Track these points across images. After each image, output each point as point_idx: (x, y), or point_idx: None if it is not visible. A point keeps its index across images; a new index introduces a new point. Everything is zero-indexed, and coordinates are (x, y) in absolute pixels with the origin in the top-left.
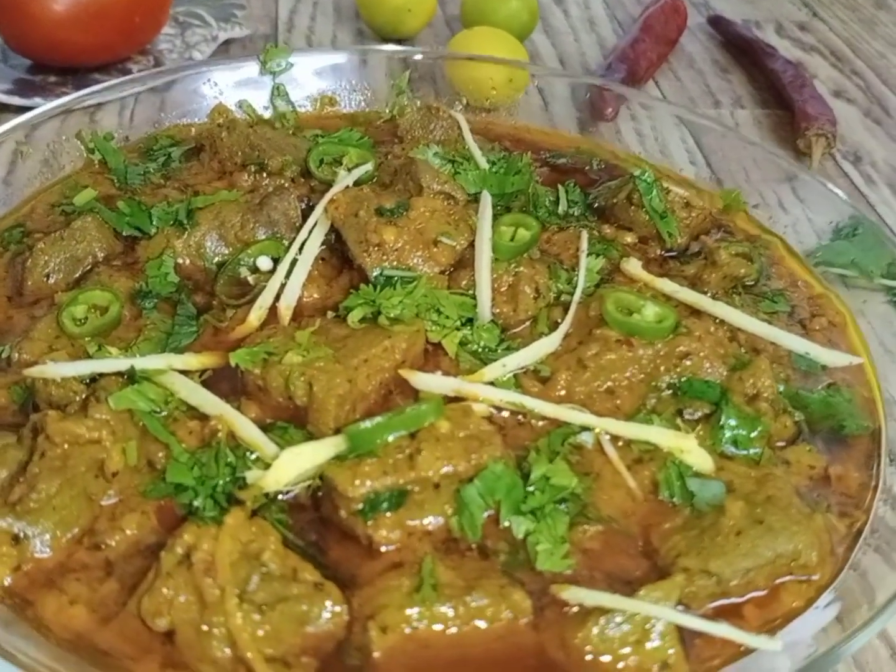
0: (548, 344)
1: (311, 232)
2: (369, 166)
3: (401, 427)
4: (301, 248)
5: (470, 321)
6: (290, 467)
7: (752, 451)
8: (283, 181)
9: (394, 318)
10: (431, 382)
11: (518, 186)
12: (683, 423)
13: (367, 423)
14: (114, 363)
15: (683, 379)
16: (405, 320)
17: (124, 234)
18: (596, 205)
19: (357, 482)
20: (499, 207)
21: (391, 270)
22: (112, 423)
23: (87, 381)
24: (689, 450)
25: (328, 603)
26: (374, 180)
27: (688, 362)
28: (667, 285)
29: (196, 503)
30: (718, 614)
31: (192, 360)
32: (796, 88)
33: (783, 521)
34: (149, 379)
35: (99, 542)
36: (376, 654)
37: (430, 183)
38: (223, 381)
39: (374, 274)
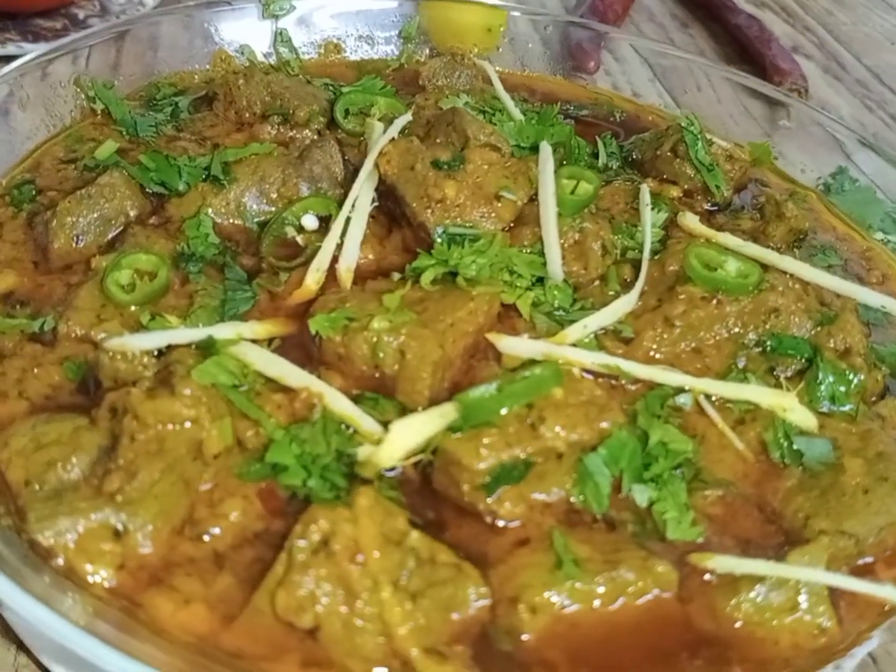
0: (626, 303)
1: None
2: (408, 116)
3: (520, 396)
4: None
5: (540, 280)
6: (403, 441)
7: (848, 407)
8: (310, 133)
9: (470, 278)
10: (519, 346)
11: (558, 138)
12: (778, 381)
13: (482, 391)
14: (192, 333)
15: (773, 335)
16: (482, 281)
17: (149, 190)
18: (632, 158)
19: (481, 454)
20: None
21: (456, 228)
22: (205, 399)
23: (156, 354)
24: (792, 408)
25: (471, 584)
26: (406, 132)
27: (776, 318)
28: (730, 240)
29: (310, 483)
30: (855, 575)
31: (260, 329)
32: (764, 43)
33: None
34: (220, 351)
35: (202, 531)
36: (526, 637)
37: (476, 133)
38: (294, 351)
39: (438, 232)
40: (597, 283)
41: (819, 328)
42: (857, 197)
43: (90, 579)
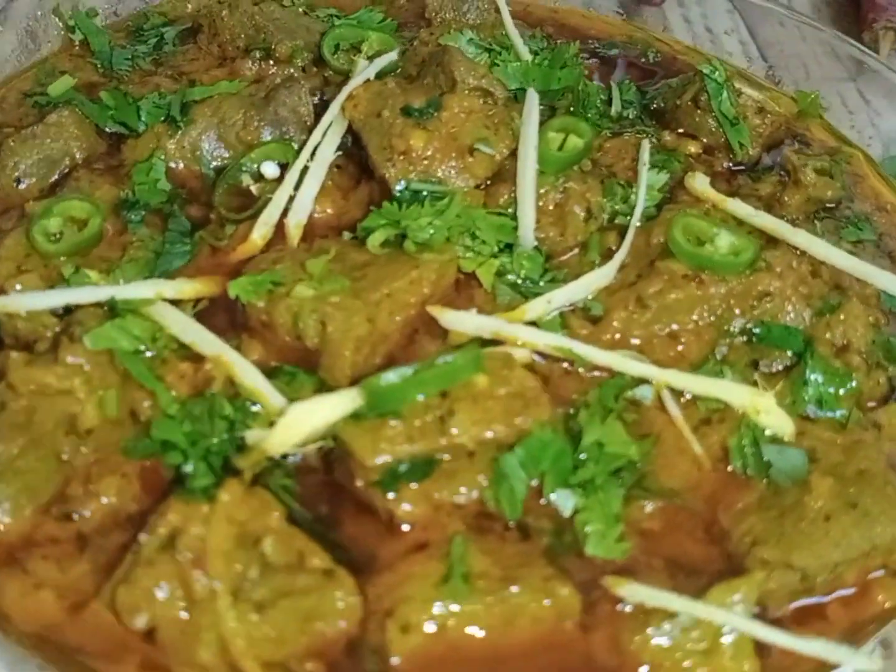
0: (601, 276)
1: (325, 134)
2: (393, 55)
3: (431, 385)
4: (313, 154)
5: (509, 247)
6: (299, 427)
7: (838, 412)
8: (292, 70)
9: (422, 242)
10: (465, 322)
11: (566, 82)
12: (760, 376)
13: (391, 378)
14: (92, 292)
15: (761, 323)
16: (434, 246)
17: (108, 130)
18: (654, 106)
19: (378, 448)
20: (542, 108)
21: (418, 184)
22: (88, 367)
23: (62, 312)
24: (767, 410)
25: (339, 594)
26: (399, 71)
27: (767, 304)
28: (740, 207)
29: (186, 469)
30: (799, 616)
31: (186, 288)
32: None
33: (880, 504)
34: (134, 311)
35: (70, 511)
36: (395, 659)
37: (464, 76)
38: (221, 313)
39: (399, 188)
40: (575, 251)
41: (818, 318)
42: None
43: None
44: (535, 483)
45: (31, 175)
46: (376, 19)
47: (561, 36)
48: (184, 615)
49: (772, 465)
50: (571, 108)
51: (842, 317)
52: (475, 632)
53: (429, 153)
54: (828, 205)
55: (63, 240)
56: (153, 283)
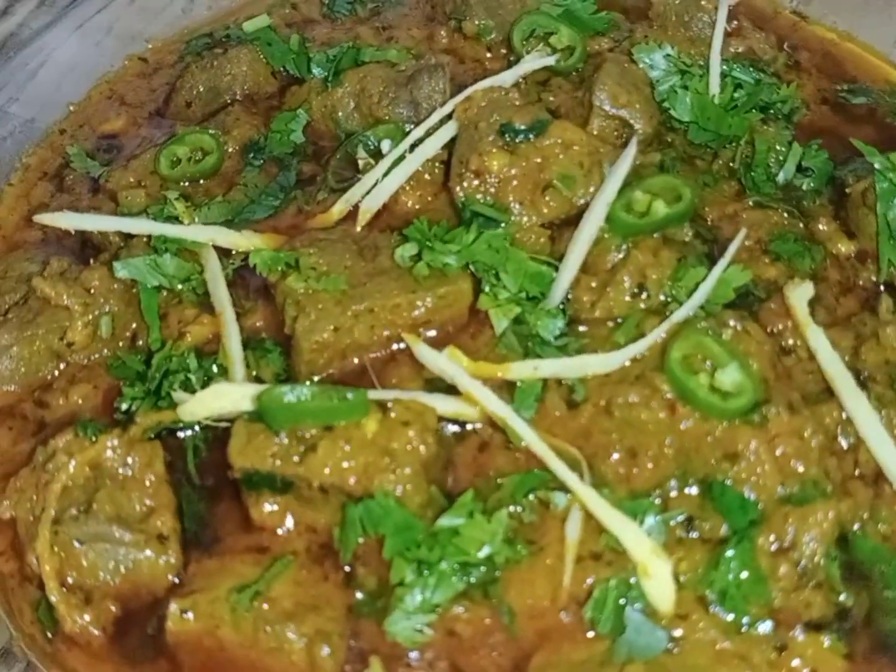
0: (598, 364)
1: (430, 130)
2: (550, 60)
3: (316, 416)
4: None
5: (538, 297)
6: (207, 405)
7: (740, 616)
8: (480, 48)
9: (437, 267)
10: (430, 359)
11: (735, 131)
12: (686, 539)
13: (287, 395)
14: (126, 223)
15: (717, 484)
16: (448, 274)
17: (282, 72)
18: (839, 183)
19: (245, 453)
20: (704, 152)
21: (480, 206)
22: (95, 292)
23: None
24: (656, 577)
25: (162, 560)
26: (573, 75)
27: (733, 465)
28: (820, 344)
29: (124, 405)
30: None
31: (241, 241)
32: None
33: None
34: (179, 250)
35: (46, 400)
36: (168, 635)
37: (604, 101)
38: (256, 274)
39: (461, 205)
40: (610, 324)
41: (780, 504)
42: None
43: None
44: None
45: (199, 100)
46: (588, 10)
47: (811, 64)
48: (30, 518)
49: (624, 630)
50: (748, 160)
51: (802, 514)
52: (241, 644)
53: (503, 176)
54: None
55: (180, 167)
56: (212, 230)
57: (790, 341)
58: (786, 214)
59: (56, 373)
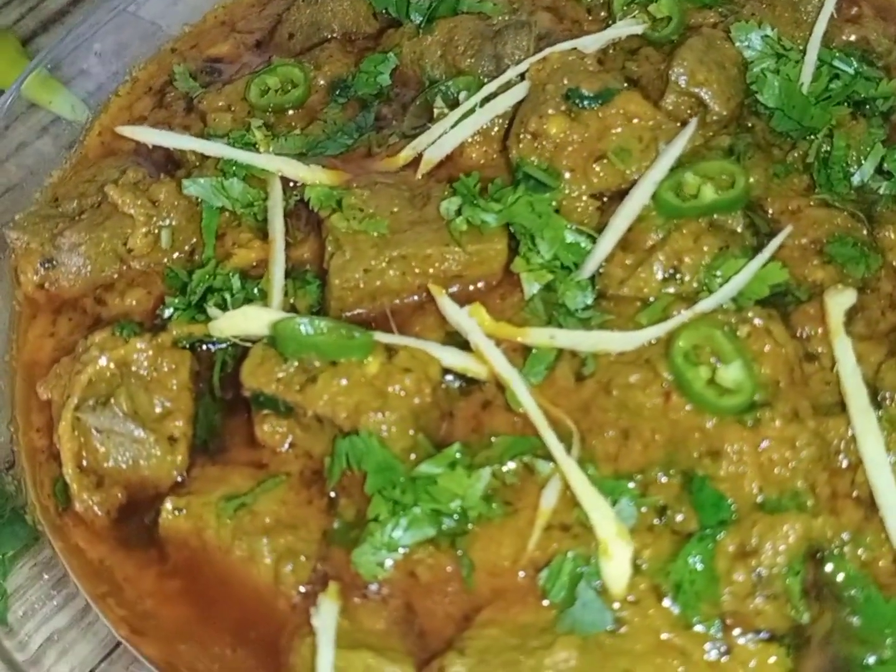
0: (613, 341)
1: (511, 84)
2: (638, 28)
3: (319, 350)
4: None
5: (571, 268)
6: (236, 324)
7: (688, 612)
8: (581, 9)
9: (476, 224)
10: (450, 312)
11: (815, 123)
12: (656, 525)
13: (298, 327)
14: (199, 144)
15: (697, 478)
16: (485, 232)
17: (383, 13)
18: None
19: (254, 374)
20: (783, 141)
21: (531, 169)
22: (159, 205)
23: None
24: (615, 558)
25: (169, 458)
26: (672, 44)
27: (712, 464)
28: (845, 355)
29: (167, 312)
30: None
31: (306, 174)
32: None
33: None
34: (253, 175)
35: (105, 298)
36: (160, 529)
37: (679, 76)
38: None
39: (515, 164)
40: (637, 304)
41: (754, 510)
42: None
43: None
44: None
45: (301, 33)
46: None
47: None
48: (61, 402)
49: (574, 602)
50: (826, 155)
51: (770, 524)
52: (219, 548)
53: (559, 141)
54: None
55: (268, 96)
56: (280, 160)
57: (818, 348)
58: (851, 217)
59: (117, 275)
